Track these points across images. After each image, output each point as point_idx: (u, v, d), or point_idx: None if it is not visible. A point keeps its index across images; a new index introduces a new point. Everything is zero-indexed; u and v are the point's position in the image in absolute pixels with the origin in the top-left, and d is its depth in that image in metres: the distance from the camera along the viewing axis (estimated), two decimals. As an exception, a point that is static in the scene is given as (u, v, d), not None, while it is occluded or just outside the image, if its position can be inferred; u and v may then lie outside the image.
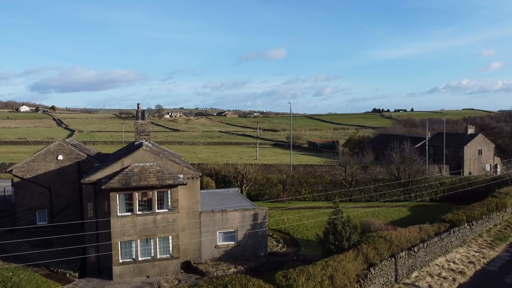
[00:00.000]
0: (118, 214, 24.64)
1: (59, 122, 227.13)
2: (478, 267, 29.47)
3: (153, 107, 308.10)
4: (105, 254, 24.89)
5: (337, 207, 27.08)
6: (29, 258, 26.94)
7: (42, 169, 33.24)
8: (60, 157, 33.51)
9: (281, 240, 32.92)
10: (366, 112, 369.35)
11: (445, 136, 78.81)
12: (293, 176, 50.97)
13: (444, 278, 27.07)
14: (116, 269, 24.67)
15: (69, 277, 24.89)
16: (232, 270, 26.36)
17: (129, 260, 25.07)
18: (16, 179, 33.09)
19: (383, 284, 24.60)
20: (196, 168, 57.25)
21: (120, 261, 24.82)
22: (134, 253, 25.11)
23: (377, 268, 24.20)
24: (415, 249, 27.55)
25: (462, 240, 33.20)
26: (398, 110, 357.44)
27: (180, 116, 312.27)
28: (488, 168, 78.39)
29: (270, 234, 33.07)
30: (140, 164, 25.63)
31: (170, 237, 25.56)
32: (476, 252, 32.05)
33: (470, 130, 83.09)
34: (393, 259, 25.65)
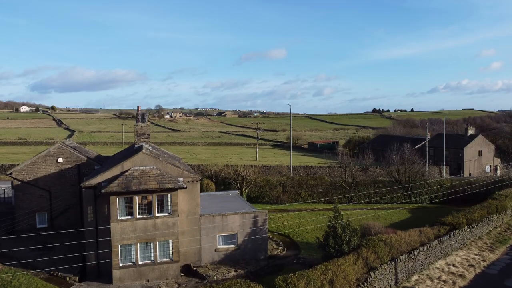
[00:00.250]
0: (118, 218, 24.64)
1: (59, 123, 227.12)
2: (478, 270, 29.47)
3: (153, 107, 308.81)
4: (105, 258, 24.88)
5: (337, 210, 27.10)
6: (29, 262, 26.98)
7: (42, 172, 33.24)
8: (60, 160, 33.51)
9: (281, 243, 32.91)
10: (366, 112, 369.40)
11: (445, 137, 78.78)
12: (293, 178, 50.96)
13: (444, 281, 27.07)
14: (116, 273, 24.67)
15: (69, 281, 24.89)
16: (232, 273, 26.36)
17: (129, 263, 25.07)
18: (16, 182, 33.09)
19: (383, 288, 24.60)
20: (196, 170, 57.37)
21: (120, 264, 24.82)
22: (134, 256, 25.10)
23: (377, 272, 24.20)
24: (415, 252, 27.55)
25: (462, 243, 33.20)
26: (398, 110, 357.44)
27: (180, 116, 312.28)
28: (488, 169, 78.39)
29: (270, 237, 33.06)
30: (140, 168, 25.63)
31: (170, 241, 25.56)
32: (476, 255, 32.04)
33: (470, 131, 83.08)
34: (393, 262, 25.65)
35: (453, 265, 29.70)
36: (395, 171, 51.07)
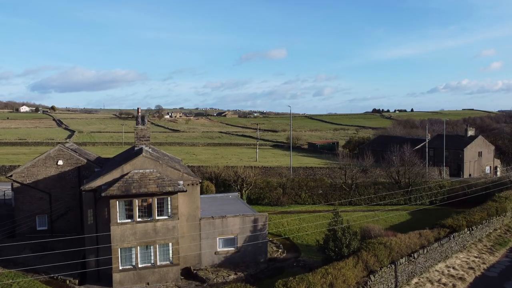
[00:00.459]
0: (118, 221, 24.65)
1: (59, 123, 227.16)
2: (478, 273, 29.45)
3: (153, 107, 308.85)
4: (105, 261, 24.89)
5: (337, 213, 27.12)
6: (29, 264, 27.01)
7: (42, 174, 33.25)
8: (60, 162, 33.52)
9: (281, 245, 32.91)
10: (366, 112, 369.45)
11: (445, 138, 78.79)
12: (293, 179, 50.96)
13: (444, 284, 27.06)
14: (116, 276, 24.68)
15: (69, 284, 24.92)
16: (232, 276, 26.38)
17: (129, 267, 25.09)
18: (16, 184, 33.09)
19: (383, 291, 24.60)
20: (196, 171, 57.39)
21: (120, 268, 24.83)
22: (134, 260, 25.12)
23: (377, 275, 24.19)
24: (415, 255, 27.54)
25: (462, 246, 33.19)
26: (398, 111, 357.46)
27: (180, 116, 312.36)
28: (488, 170, 78.39)
29: (270, 239, 33.05)
30: (140, 171, 25.63)
31: (170, 244, 25.56)
32: (476, 257, 32.04)
33: (470, 132, 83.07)
34: (393, 265, 25.65)
35: (453, 268, 29.70)
36: (395, 172, 51.10)
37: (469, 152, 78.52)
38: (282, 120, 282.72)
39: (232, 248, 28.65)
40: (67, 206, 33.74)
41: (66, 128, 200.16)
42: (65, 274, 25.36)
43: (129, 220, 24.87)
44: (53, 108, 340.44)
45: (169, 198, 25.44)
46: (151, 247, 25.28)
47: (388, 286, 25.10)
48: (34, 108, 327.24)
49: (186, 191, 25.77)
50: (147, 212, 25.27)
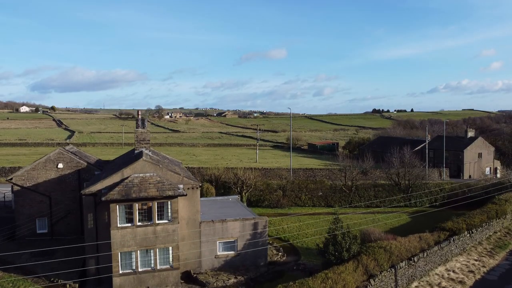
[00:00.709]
0: (118, 225, 24.63)
1: (59, 123, 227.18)
2: (478, 276, 29.49)
3: (153, 107, 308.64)
4: (105, 265, 24.89)
5: (337, 217, 27.12)
6: (29, 268, 26.99)
7: (42, 177, 33.25)
8: (60, 165, 33.51)
9: (281, 248, 32.91)
10: (366, 112, 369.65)
11: (445, 139, 78.78)
12: (293, 181, 50.96)
13: (444, 288, 27.09)
14: (116, 280, 24.66)
15: (69, 288, 24.89)
16: (232, 280, 26.39)
17: (129, 271, 25.06)
18: (16, 188, 33.09)
19: (383, 296, 24.61)
20: (196, 173, 57.38)
21: (120, 272, 24.81)
22: (134, 264, 25.11)
23: (377, 279, 24.22)
24: (415, 259, 27.57)
25: (462, 249, 33.21)
26: (398, 111, 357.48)
27: (180, 116, 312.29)
28: (488, 171, 78.39)
29: (270, 242, 33.06)
30: (140, 175, 25.63)
31: (170, 248, 25.55)
32: (476, 260, 32.06)
33: (470, 133, 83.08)
34: (393, 269, 25.67)
35: (453, 271, 29.72)
36: (395, 174, 51.09)
37: (469, 154, 78.51)
38: (282, 120, 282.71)
39: (232, 252, 28.65)
40: (67, 209, 33.74)
41: (66, 129, 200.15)
42: (65, 277, 25.39)
43: (129, 224, 24.86)
44: (53, 108, 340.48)
45: (169, 202, 25.43)
46: (151, 251, 25.28)
47: (388, 290, 25.11)
48: (34, 108, 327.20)
49: (186, 195, 25.77)
50: (147, 216, 25.26)
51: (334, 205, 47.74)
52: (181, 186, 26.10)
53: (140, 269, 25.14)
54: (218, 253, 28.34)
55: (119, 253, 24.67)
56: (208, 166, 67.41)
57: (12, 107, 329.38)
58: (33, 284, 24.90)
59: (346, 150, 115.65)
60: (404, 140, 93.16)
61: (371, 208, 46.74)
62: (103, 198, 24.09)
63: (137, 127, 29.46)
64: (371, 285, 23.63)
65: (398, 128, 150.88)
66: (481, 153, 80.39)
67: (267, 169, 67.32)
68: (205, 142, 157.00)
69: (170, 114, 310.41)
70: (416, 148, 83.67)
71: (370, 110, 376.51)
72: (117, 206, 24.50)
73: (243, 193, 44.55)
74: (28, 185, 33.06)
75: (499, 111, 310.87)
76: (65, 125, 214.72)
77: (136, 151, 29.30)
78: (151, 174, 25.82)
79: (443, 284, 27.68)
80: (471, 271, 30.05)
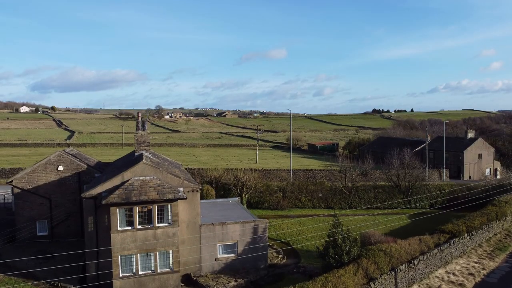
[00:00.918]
0: (119, 228, 24.64)
1: (59, 123, 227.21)
2: (478, 279, 29.49)
3: (153, 107, 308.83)
4: (105, 268, 24.89)
5: (337, 220, 27.13)
6: (29, 271, 26.97)
7: (43, 179, 33.27)
8: (61, 168, 33.54)
9: (281, 251, 32.93)
10: (366, 112, 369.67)
11: (445, 140, 78.77)
12: (293, 183, 50.97)
13: (444, 291, 27.10)
14: (116, 283, 24.67)
15: (70, 291, 24.90)
16: (232, 283, 26.41)
17: (129, 274, 25.06)
18: (16, 190, 33.11)
19: (383, 299, 24.62)
20: (196, 174, 57.38)
21: (121, 275, 24.81)
22: (134, 267, 25.11)
23: (377, 282, 24.23)
24: (415, 261, 27.58)
25: (462, 251, 33.22)
26: (398, 111, 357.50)
27: (180, 116, 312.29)
28: (488, 172, 78.41)
29: (270, 244, 33.08)
30: (141, 178, 25.64)
31: (170, 251, 25.56)
32: (476, 263, 32.06)
33: (470, 134, 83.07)
34: (393, 272, 25.68)
35: (453, 274, 29.72)
36: (395, 176, 51.09)
37: (469, 154, 78.53)
38: (282, 120, 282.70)
39: (232, 255, 28.67)
40: (68, 212, 33.76)
41: (66, 129, 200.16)
42: (65, 281, 25.39)
43: (130, 228, 24.87)
44: (53, 108, 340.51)
45: (169, 205, 25.44)
46: (152, 254, 25.28)
47: (388, 293, 25.13)
48: (34, 109, 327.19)
49: (186, 198, 25.79)
50: (147, 219, 25.28)
51: (334, 207, 47.74)
52: (181, 189, 26.12)
53: (140, 272, 25.13)
54: (218, 256, 28.36)
55: (119, 256, 24.68)
56: (208, 167, 67.44)
57: (12, 107, 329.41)
58: (33, 287, 24.93)
59: (346, 150, 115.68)
60: (404, 141, 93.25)
61: (371, 209, 46.75)
62: (103, 202, 24.10)
63: (137, 130, 29.49)
64: (371, 288, 23.65)
65: (398, 129, 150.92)
66: (481, 154, 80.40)
67: (267, 170, 67.34)
68: (205, 142, 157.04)
69: (170, 114, 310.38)
70: (416, 149, 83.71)
71: (370, 110, 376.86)
72: (117, 209, 24.51)
73: (243, 195, 44.57)
74: (28, 187, 33.07)
75: (499, 111, 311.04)
76: (65, 125, 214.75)
77: (136, 154, 29.32)
78: (151, 177, 25.84)
79: (443, 286, 27.70)
80: (471, 274, 30.05)
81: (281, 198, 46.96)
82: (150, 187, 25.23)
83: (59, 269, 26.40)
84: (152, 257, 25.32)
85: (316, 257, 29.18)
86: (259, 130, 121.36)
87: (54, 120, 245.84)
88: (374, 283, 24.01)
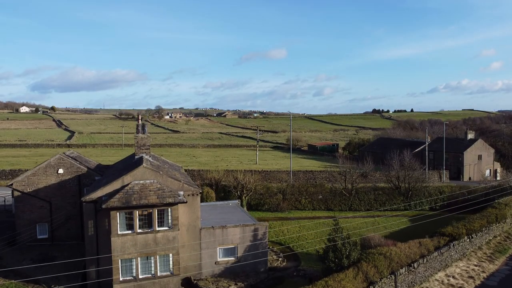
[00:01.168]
0: (119, 232, 24.66)
1: (59, 123, 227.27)
2: (477, 282, 29.49)
3: (153, 107, 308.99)
4: (105, 272, 24.93)
5: (337, 223, 27.16)
6: (29, 274, 26.99)
7: (43, 182, 33.28)
8: (61, 171, 33.55)
9: (281, 254, 32.94)
10: (366, 112, 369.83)
11: (445, 141, 78.80)
12: (293, 185, 50.99)
13: (444, 294, 27.12)
14: (116, 287, 24.70)
15: (70, 295, 24.92)
16: (232, 287, 26.45)
17: (129, 278, 25.09)
18: (16, 193, 33.13)
19: (383, 303, 24.64)
20: (196, 176, 57.42)
21: (121, 279, 24.83)
22: (134, 271, 25.13)
23: (376, 286, 24.24)
24: (415, 265, 27.60)
25: (461, 254, 33.22)
26: (398, 111, 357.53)
27: (180, 116, 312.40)
28: (488, 173, 78.44)
29: (270, 247, 33.10)
30: (141, 182, 25.66)
31: (171, 255, 25.58)
32: (475, 266, 32.08)
33: (470, 135, 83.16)
34: (393, 276, 25.70)
35: (453, 277, 29.75)
36: (395, 177, 51.11)
37: (469, 156, 78.58)
38: (282, 120, 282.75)
39: (232, 258, 28.69)
40: (68, 215, 33.77)
41: (66, 129, 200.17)
42: (66, 284, 25.39)
43: (130, 231, 24.89)
44: (53, 108, 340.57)
45: (169, 209, 25.47)
46: (152, 258, 25.31)
47: (388, 297, 25.15)
48: (34, 109, 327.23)
49: (186, 202, 25.80)
50: (147, 223, 25.30)
51: (334, 209, 47.79)
52: (181, 192, 26.14)
53: (140, 276, 25.16)
54: (218, 259, 28.37)
55: (120, 260, 24.70)
56: (208, 168, 67.45)
57: (12, 107, 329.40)
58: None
59: (346, 151, 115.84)
60: (404, 142, 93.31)
61: (371, 211, 46.77)
62: (103, 206, 24.13)
63: (137, 132, 29.52)
64: (371, 292, 23.67)
65: (398, 129, 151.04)
66: (481, 155, 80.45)
67: (267, 171, 67.38)
68: (205, 142, 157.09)
69: (170, 114, 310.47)
70: (416, 150, 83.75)
71: (370, 110, 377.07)
72: (118, 213, 24.54)
73: (243, 197, 44.58)
74: (28, 190, 33.09)
75: (499, 111, 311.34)
76: (65, 126, 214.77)
77: (136, 157, 29.36)
78: (152, 181, 25.86)
79: (443, 290, 27.72)
80: (471, 277, 30.07)
81: (281, 200, 46.99)
82: (150, 191, 25.25)
83: (59, 272, 26.42)
84: (152, 261, 25.35)
85: (316, 260, 29.23)
86: (259, 130, 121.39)
87: (54, 120, 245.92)
88: (374, 287, 24.04)
